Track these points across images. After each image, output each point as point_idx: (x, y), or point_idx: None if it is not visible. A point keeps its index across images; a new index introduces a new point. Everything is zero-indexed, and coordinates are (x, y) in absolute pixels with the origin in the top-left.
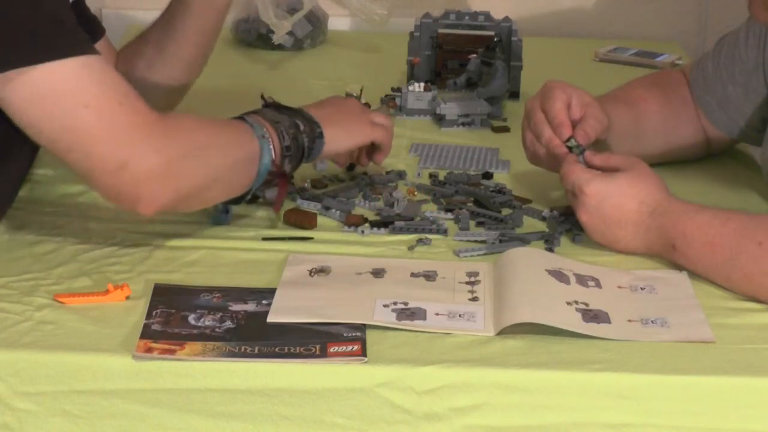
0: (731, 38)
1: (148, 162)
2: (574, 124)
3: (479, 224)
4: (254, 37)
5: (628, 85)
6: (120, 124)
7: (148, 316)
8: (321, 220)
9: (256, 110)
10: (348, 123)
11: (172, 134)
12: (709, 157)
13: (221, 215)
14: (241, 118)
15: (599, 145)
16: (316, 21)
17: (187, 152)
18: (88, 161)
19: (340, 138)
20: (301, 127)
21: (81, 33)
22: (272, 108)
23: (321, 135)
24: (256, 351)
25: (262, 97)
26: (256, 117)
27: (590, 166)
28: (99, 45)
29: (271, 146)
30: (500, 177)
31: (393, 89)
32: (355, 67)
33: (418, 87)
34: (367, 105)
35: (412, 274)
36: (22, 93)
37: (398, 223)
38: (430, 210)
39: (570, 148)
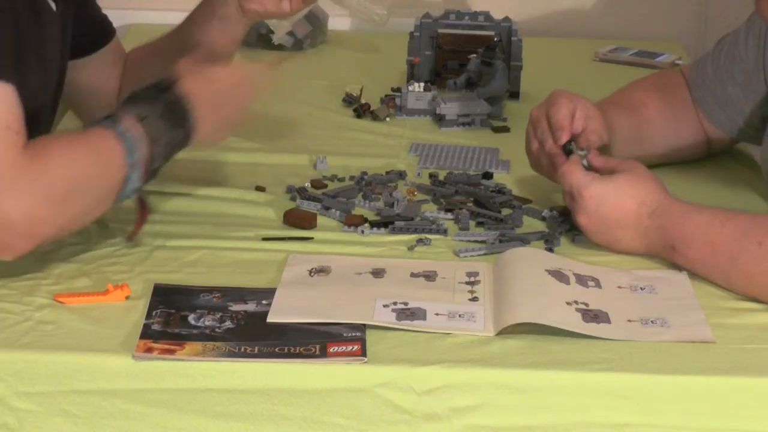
0: (731, 38)
1: (10, 209)
2: (576, 136)
3: (479, 224)
4: (254, 37)
5: (629, 87)
6: None
7: (148, 316)
8: (321, 220)
9: (146, 116)
10: (222, 114)
11: (41, 175)
12: (709, 157)
13: None
14: (121, 133)
15: (600, 150)
16: (316, 21)
17: (51, 196)
18: None
19: (210, 137)
20: (175, 141)
21: None
22: (159, 110)
23: (188, 140)
24: (256, 351)
25: (167, 79)
26: (138, 131)
27: (592, 166)
28: (108, 47)
29: (141, 170)
30: (500, 177)
31: (393, 89)
32: (355, 67)
33: (418, 87)
34: (368, 105)
35: (412, 274)
36: None
37: (398, 223)
38: (430, 210)
39: (570, 151)
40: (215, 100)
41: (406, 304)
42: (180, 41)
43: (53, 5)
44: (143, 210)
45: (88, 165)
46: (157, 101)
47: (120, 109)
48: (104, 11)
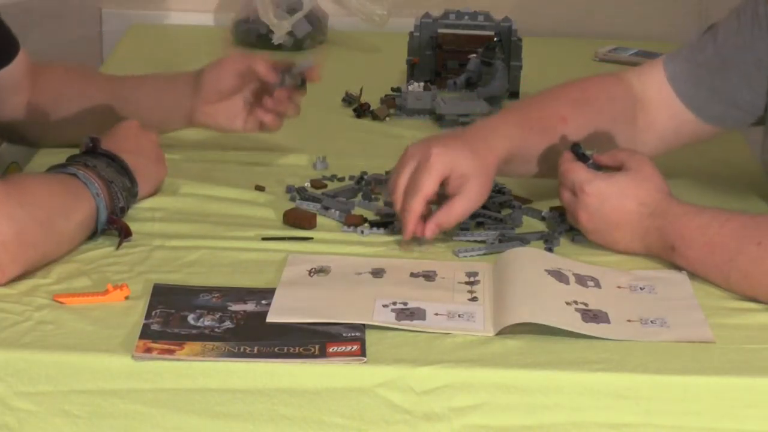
0: (727, 27)
1: (2, 233)
2: (445, 198)
3: (479, 224)
4: (254, 37)
5: (554, 101)
6: None
7: (148, 316)
8: (320, 220)
9: (89, 162)
10: (149, 169)
11: (24, 200)
12: (708, 156)
13: None
14: (72, 173)
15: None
16: (316, 21)
17: (37, 220)
18: None
19: (145, 192)
20: (132, 189)
21: None
22: (102, 160)
23: (136, 194)
24: (256, 351)
25: (91, 140)
26: (88, 174)
27: (599, 164)
28: (16, 62)
29: (105, 204)
30: (500, 177)
31: (393, 89)
32: (355, 67)
33: (418, 87)
34: (368, 105)
35: (412, 274)
36: None
37: (398, 223)
38: None
39: (582, 154)
40: (146, 165)
41: (405, 304)
42: (119, 99)
43: None
44: (121, 225)
45: (61, 194)
46: (98, 158)
47: (63, 164)
48: (104, 11)
